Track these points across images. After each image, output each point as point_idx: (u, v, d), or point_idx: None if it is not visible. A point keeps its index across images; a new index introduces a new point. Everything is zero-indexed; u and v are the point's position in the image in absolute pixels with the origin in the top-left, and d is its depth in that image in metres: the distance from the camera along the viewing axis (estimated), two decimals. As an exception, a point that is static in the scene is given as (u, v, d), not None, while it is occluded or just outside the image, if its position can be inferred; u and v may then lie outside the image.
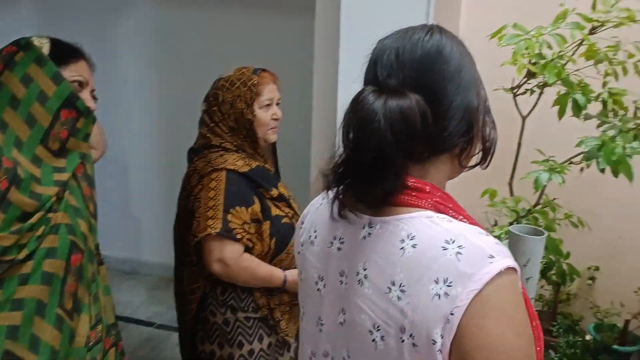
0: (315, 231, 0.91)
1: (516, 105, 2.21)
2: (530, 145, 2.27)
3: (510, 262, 0.70)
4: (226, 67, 1.78)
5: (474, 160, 0.87)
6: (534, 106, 2.19)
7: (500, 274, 0.68)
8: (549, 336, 2.29)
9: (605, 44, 1.99)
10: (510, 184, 2.34)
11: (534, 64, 1.96)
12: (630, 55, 1.97)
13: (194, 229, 1.56)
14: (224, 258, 1.53)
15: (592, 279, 2.70)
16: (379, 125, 0.72)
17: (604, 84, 1.98)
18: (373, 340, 0.74)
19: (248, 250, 1.59)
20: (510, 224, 2.29)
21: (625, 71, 2.03)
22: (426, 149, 0.78)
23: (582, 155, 1.87)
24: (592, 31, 1.98)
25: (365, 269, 0.78)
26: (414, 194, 0.78)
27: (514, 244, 1.51)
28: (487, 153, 0.86)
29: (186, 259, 1.70)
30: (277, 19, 3.15)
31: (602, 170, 1.84)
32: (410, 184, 0.78)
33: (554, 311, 2.60)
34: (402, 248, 0.74)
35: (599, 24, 1.95)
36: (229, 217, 1.53)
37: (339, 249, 0.85)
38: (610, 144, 1.69)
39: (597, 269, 2.69)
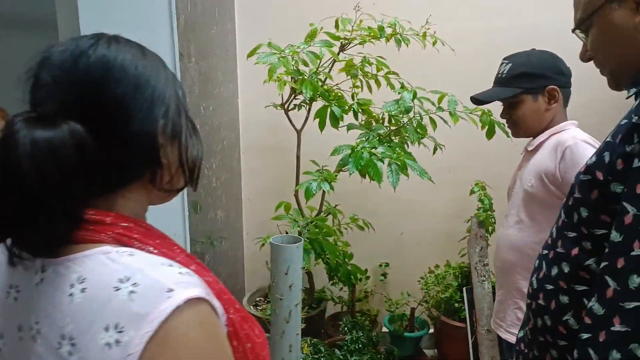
0: None
1: (289, 120, 2.31)
2: (310, 157, 2.40)
3: (194, 292, 0.62)
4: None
5: (182, 181, 0.78)
6: (306, 120, 2.31)
7: (180, 308, 0.60)
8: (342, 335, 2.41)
9: (357, 60, 2.18)
10: (295, 195, 2.43)
11: (296, 81, 2.07)
12: (379, 68, 2.18)
13: None
14: None
15: (385, 274, 2.92)
16: (22, 164, 0.61)
17: (353, 96, 2.15)
18: None
19: None
20: (300, 234, 2.38)
21: (378, 83, 2.25)
22: (102, 181, 0.68)
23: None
24: (342, 49, 2.15)
25: (37, 322, 0.67)
26: (91, 227, 0.68)
27: (275, 254, 1.56)
28: (192, 174, 0.78)
29: None
30: (17, 37, 2.81)
31: (364, 176, 2.00)
32: (88, 217, 0.68)
33: (352, 310, 2.77)
34: (70, 294, 0.64)
35: (347, 41, 2.12)
36: None
37: (15, 299, 0.73)
38: (359, 150, 1.84)
39: (387, 265, 2.92)
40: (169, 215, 1.62)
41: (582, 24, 0.96)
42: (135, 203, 0.74)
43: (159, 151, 0.72)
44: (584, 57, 0.99)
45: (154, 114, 0.71)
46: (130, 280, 0.62)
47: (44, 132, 0.62)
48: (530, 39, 2.59)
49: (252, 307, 2.56)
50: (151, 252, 0.69)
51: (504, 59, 1.66)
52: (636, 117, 0.77)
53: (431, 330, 2.83)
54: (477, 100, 1.68)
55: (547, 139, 1.56)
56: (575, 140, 1.45)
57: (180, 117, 0.75)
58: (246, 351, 0.72)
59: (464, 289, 2.63)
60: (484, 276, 2.53)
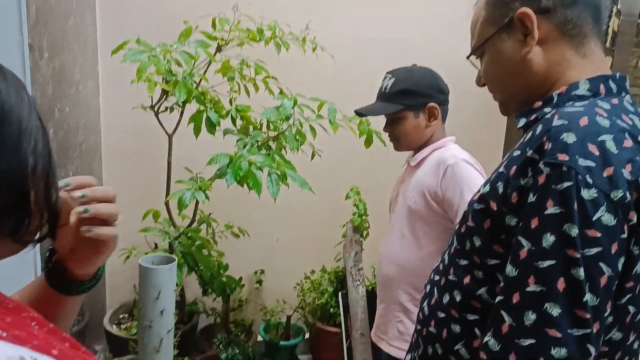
0: None
1: (160, 123, 2.13)
2: (183, 163, 2.24)
3: None
4: None
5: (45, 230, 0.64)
6: (178, 124, 2.15)
7: None
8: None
9: (235, 62, 2.08)
10: (166, 204, 2.26)
11: (168, 81, 1.90)
12: (257, 72, 2.09)
13: None
14: None
15: (260, 282, 2.85)
16: None
17: (231, 101, 2.05)
18: None
19: None
20: (170, 246, 2.21)
21: (256, 87, 2.16)
22: None
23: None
24: (219, 49, 2.03)
25: None
26: None
27: (144, 277, 1.41)
28: (55, 224, 0.65)
29: None
30: None
31: (242, 185, 1.91)
32: None
33: (226, 321, 2.65)
34: None
35: (224, 42, 2.01)
36: None
37: None
38: (238, 160, 1.75)
39: (262, 272, 2.84)
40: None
41: (475, 52, 0.97)
42: None
43: (29, 196, 0.58)
44: (479, 83, 1.00)
45: (22, 150, 0.57)
46: None
47: None
48: (402, 50, 2.70)
49: (114, 326, 2.34)
50: None
51: (387, 72, 1.67)
52: (530, 151, 0.78)
53: (307, 337, 2.82)
54: (361, 113, 1.68)
55: (429, 154, 1.61)
56: (456, 159, 1.50)
57: (50, 155, 0.61)
58: None
59: (339, 294, 2.66)
60: (359, 280, 2.57)
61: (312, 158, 2.26)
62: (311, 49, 2.13)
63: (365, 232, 2.65)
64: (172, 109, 2.08)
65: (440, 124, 1.65)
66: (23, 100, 0.59)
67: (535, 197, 0.75)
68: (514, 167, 0.80)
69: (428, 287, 1.02)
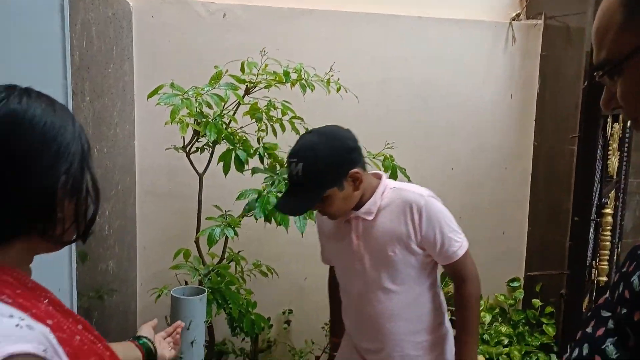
0: None
1: (191, 163, 2.21)
2: (213, 202, 2.30)
3: (18, 347, 0.58)
4: None
5: (74, 235, 0.78)
6: (208, 163, 2.23)
7: None
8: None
9: (262, 104, 2.17)
10: (196, 242, 2.31)
11: (199, 123, 2.00)
12: (284, 112, 2.17)
13: None
14: None
15: (288, 322, 2.84)
16: None
17: (259, 140, 2.12)
18: None
19: None
20: (200, 283, 2.25)
21: (283, 127, 2.24)
22: None
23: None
24: (247, 92, 2.12)
25: None
26: None
27: (176, 308, 1.45)
28: (87, 231, 0.79)
29: None
30: None
31: (269, 221, 1.96)
32: None
33: (255, 362, 2.64)
34: None
35: (252, 85, 2.10)
36: None
37: None
38: (265, 195, 1.80)
39: (290, 312, 2.84)
40: (53, 267, 1.45)
41: (610, 68, 0.70)
42: (19, 252, 0.72)
43: (56, 205, 0.72)
44: (608, 107, 0.75)
45: (57, 169, 0.72)
46: None
47: None
48: (425, 91, 2.76)
49: (146, 365, 2.35)
50: (3, 301, 0.65)
51: (291, 157, 1.45)
52: None
53: (336, 378, 2.77)
54: (283, 211, 1.56)
55: (381, 201, 1.50)
56: (425, 199, 1.48)
57: (83, 175, 0.76)
58: None
59: (368, 333, 2.62)
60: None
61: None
62: (335, 90, 2.20)
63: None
64: (202, 149, 2.17)
65: (366, 177, 1.50)
66: (67, 129, 0.73)
67: None
68: None
69: None
